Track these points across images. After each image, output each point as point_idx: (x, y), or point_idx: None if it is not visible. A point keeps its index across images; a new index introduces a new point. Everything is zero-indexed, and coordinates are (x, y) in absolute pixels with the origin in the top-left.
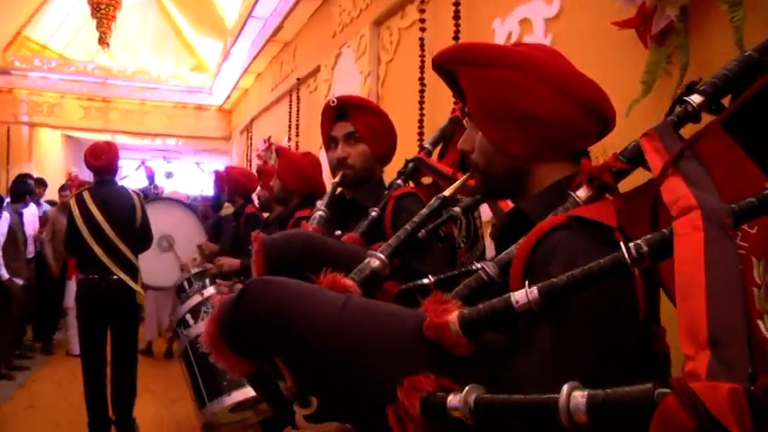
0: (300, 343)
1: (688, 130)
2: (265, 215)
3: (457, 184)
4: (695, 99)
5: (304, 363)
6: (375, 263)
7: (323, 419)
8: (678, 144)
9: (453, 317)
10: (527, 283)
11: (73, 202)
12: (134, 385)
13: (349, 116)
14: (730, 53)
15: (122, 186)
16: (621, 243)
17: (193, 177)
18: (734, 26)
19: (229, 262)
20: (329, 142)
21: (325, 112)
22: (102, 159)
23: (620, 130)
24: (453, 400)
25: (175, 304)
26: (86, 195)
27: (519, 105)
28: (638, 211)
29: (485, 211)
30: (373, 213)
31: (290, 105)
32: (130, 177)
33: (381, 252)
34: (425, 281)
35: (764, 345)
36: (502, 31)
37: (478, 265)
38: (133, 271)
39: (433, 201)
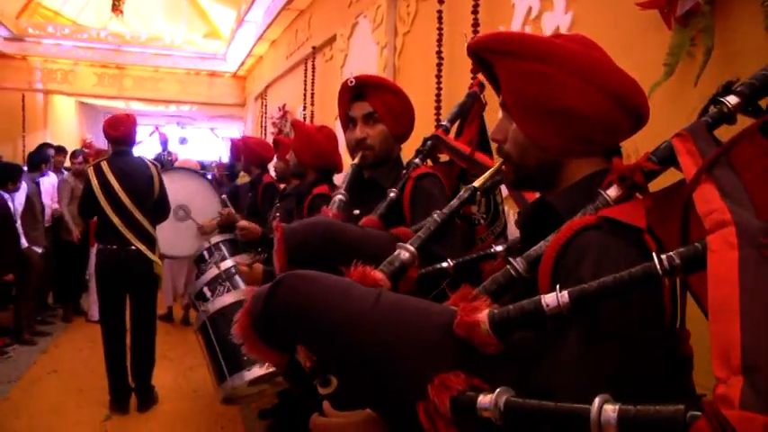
0: (332, 337)
1: (721, 130)
2: (282, 186)
3: (488, 174)
4: (731, 100)
5: (335, 357)
6: (405, 255)
7: (349, 407)
8: (712, 148)
9: (484, 316)
10: (558, 286)
11: (91, 172)
12: (153, 353)
13: (367, 96)
14: (758, 38)
15: (140, 157)
16: (654, 254)
17: (208, 143)
18: (764, 10)
19: (251, 228)
20: (347, 122)
21: (342, 92)
22: (121, 130)
23: None
24: (484, 400)
25: (191, 273)
26: (105, 166)
27: (554, 99)
28: (668, 212)
29: (504, 186)
30: (392, 195)
31: (305, 74)
32: (144, 143)
33: (411, 244)
34: (444, 265)
35: None
36: (522, 6)
37: (498, 248)
38: (151, 241)
39: (463, 192)
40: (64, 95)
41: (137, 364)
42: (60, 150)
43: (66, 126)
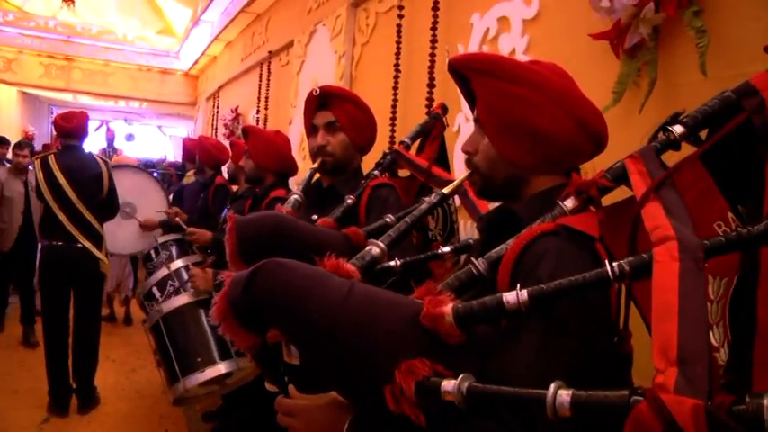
0: (308, 325)
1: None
2: (234, 188)
3: (456, 182)
4: (677, 129)
5: (310, 343)
6: (375, 251)
7: (315, 390)
8: (660, 170)
9: (448, 309)
10: (518, 285)
11: (37, 166)
12: (96, 353)
13: (331, 106)
14: (697, 73)
15: (90, 153)
16: (606, 261)
17: (155, 141)
18: (698, 51)
19: (201, 233)
20: (311, 130)
21: (308, 101)
22: (73, 122)
23: None
24: (448, 385)
25: (131, 271)
26: (51, 160)
27: (531, 122)
28: (617, 225)
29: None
30: (349, 201)
31: (260, 77)
32: (90, 137)
33: (382, 241)
34: (392, 263)
35: (712, 351)
36: (480, 27)
37: (445, 249)
38: (98, 239)
39: (432, 196)
40: (5, 84)
41: (79, 365)
42: (3, 142)
43: (7, 116)
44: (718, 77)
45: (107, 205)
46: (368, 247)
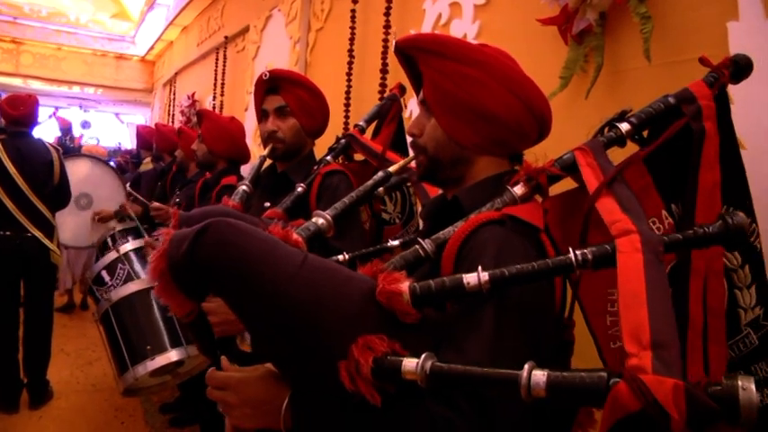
0: (259, 293)
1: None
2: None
3: (402, 162)
4: (624, 127)
5: (258, 314)
6: (321, 221)
7: (253, 362)
8: (609, 165)
9: (405, 287)
10: (479, 267)
11: None
12: (48, 346)
13: (281, 90)
14: (642, 59)
15: (40, 140)
16: (571, 249)
17: (112, 128)
18: (643, 37)
19: (166, 208)
20: (261, 115)
21: (257, 85)
22: (21, 110)
23: None
24: (410, 364)
25: (90, 260)
26: None
27: (478, 102)
28: (565, 215)
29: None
30: (299, 189)
31: (216, 63)
32: (42, 125)
33: (328, 213)
34: (339, 257)
35: None
36: (432, 12)
37: (395, 243)
38: (49, 229)
39: (378, 174)
40: None
41: (30, 358)
42: None
43: None
44: (663, 63)
45: (59, 194)
46: (313, 218)
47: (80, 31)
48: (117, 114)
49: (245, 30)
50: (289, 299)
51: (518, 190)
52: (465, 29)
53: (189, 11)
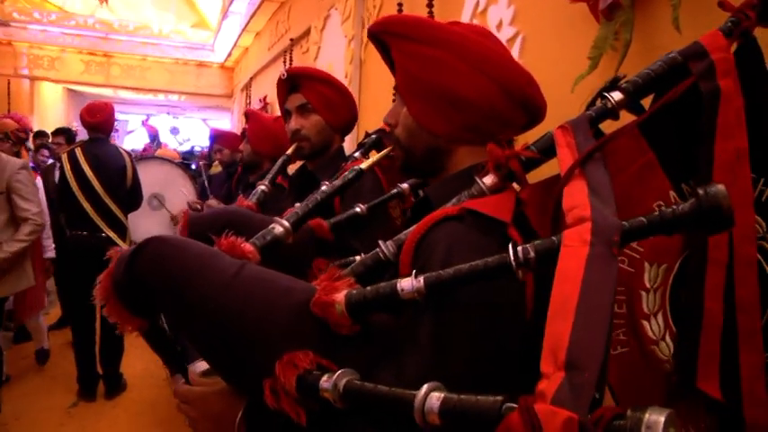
0: (190, 308)
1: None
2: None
3: (375, 158)
4: (615, 96)
5: (193, 329)
6: (278, 230)
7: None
8: (590, 142)
9: (341, 296)
10: (414, 272)
11: (65, 158)
12: (121, 340)
13: (301, 88)
14: (675, 34)
15: (114, 146)
16: (510, 245)
17: (200, 133)
18: (671, 3)
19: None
20: (285, 115)
21: (278, 86)
22: (98, 117)
23: (567, 106)
24: (326, 381)
25: None
26: (78, 152)
27: (445, 85)
28: (544, 205)
29: None
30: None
31: (284, 66)
32: (135, 132)
33: (287, 219)
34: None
35: (649, 344)
36: (471, 0)
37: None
38: (122, 229)
39: (348, 172)
40: (51, 82)
41: (105, 352)
42: (41, 134)
43: (54, 113)
44: (696, 36)
45: (131, 197)
46: (271, 226)
47: (163, 41)
48: (204, 120)
49: (308, 31)
50: (220, 311)
51: (488, 180)
52: (500, 14)
53: (259, 17)
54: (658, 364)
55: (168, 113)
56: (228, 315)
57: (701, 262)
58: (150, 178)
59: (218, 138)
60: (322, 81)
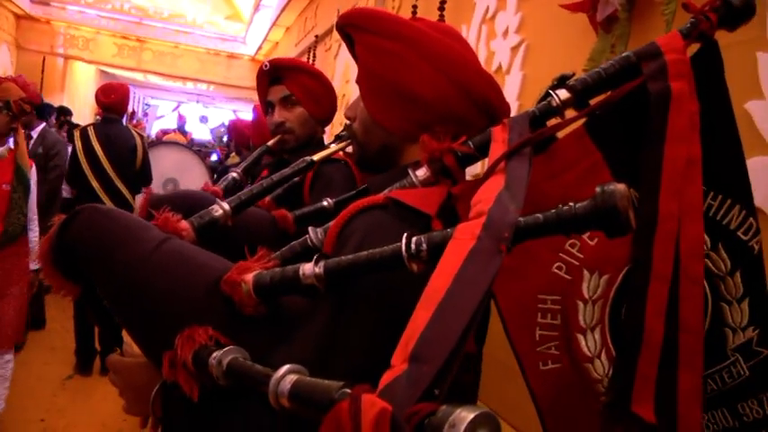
0: (112, 275)
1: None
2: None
3: (330, 150)
4: (561, 95)
5: (113, 295)
6: (217, 212)
7: None
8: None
9: (249, 276)
10: (315, 257)
11: (77, 136)
12: None
13: (284, 79)
14: None
15: (126, 127)
16: (405, 235)
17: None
18: (664, 19)
19: None
20: (266, 108)
21: (259, 77)
22: (112, 97)
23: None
24: (213, 357)
25: None
26: (90, 131)
27: (401, 81)
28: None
29: None
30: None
31: (308, 62)
32: (166, 118)
33: (228, 203)
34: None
35: (583, 362)
36: (481, 5)
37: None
38: (128, 209)
39: (298, 161)
40: (83, 62)
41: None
42: (65, 112)
43: (84, 92)
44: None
45: (140, 177)
46: (211, 207)
47: (196, 30)
48: (234, 111)
49: (332, 29)
50: (136, 282)
51: (420, 173)
52: (508, 21)
53: (289, 12)
54: (591, 384)
55: (198, 102)
56: (142, 286)
57: (645, 276)
58: (166, 163)
59: (229, 130)
60: (305, 72)
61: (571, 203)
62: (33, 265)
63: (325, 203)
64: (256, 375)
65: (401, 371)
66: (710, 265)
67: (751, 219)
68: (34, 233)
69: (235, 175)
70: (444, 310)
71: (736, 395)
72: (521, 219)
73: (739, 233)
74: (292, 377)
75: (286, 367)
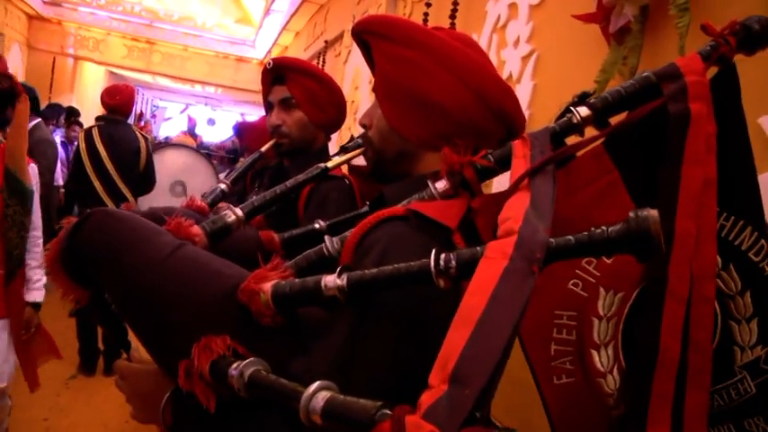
0: (123, 280)
1: None
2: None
3: (344, 158)
4: (582, 112)
5: (124, 301)
6: (230, 217)
7: None
8: (541, 156)
9: (267, 286)
10: (338, 268)
11: (81, 137)
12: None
13: (286, 80)
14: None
15: (131, 128)
16: (434, 251)
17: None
18: (678, 32)
19: None
20: (267, 108)
21: (262, 76)
22: (117, 99)
23: None
24: (234, 369)
25: None
26: (95, 132)
27: (420, 89)
28: (495, 216)
29: None
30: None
31: (315, 65)
32: (174, 119)
33: (242, 209)
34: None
35: (596, 377)
36: (493, 13)
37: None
38: None
39: (312, 168)
40: (93, 63)
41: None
42: (74, 113)
43: (93, 93)
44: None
45: (143, 179)
46: (223, 212)
47: (205, 33)
48: (243, 115)
49: (342, 35)
50: (149, 288)
51: (440, 185)
52: (519, 30)
53: (299, 17)
54: (603, 398)
55: (206, 104)
56: (156, 292)
57: (660, 295)
58: (174, 165)
59: (238, 132)
60: (308, 75)
61: (603, 227)
62: (31, 296)
63: (316, 225)
64: (284, 390)
65: (442, 392)
66: (721, 284)
67: (763, 240)
68: (32, 255)
69: (223, 186)
70: (483, 330)
71: (742, 412)
72: (552, 240)
73: (750, 254)
74: (325, 394)
75: (317, 383)
